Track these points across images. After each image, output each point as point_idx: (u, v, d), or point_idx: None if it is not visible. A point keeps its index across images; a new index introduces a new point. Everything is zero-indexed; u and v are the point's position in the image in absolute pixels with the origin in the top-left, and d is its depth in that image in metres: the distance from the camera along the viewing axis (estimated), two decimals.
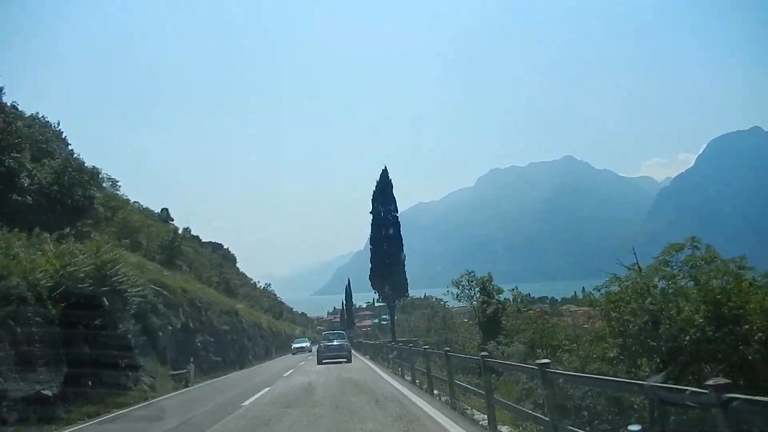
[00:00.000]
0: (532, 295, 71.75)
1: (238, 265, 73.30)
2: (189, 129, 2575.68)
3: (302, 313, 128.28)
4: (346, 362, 26.31)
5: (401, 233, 40.63)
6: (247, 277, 75.17)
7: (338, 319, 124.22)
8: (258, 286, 79.84)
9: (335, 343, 28.59)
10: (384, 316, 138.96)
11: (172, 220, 54.75)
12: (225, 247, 72.21)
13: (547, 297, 76.21)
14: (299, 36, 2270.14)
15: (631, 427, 4.87)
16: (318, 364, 26.47)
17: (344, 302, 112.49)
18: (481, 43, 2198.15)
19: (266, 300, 73.72)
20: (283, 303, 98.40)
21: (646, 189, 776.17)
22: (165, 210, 57.03)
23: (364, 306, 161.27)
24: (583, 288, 38.58)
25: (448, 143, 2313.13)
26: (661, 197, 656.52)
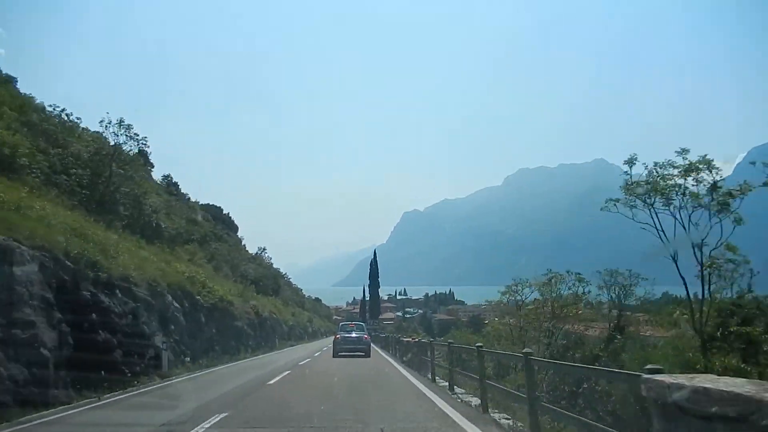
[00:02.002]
0: None
1: (239, 234, 61.52)
2: (218, 113, 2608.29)
3: (316, 299, 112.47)
4: (364, 356, 25.30)
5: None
6: (237, 237, 60.22)
7: (357, 310, 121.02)
8: (248, 250, 61.56)
9: (353, 335, 27.19)
10: (408, 309, 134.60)
11: (153, 166, 40.14)
12: (225, 212, 60.18)
13: None
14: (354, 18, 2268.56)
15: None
16: (334, 356, 25.19)
17: (366, 289, 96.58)
18: (514, 45, 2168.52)
19: (252, 269, 49.65)
20: (288, 279, 79.19)
21: None
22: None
23: (386, 298, 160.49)
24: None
25: (476, 140, 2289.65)
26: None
